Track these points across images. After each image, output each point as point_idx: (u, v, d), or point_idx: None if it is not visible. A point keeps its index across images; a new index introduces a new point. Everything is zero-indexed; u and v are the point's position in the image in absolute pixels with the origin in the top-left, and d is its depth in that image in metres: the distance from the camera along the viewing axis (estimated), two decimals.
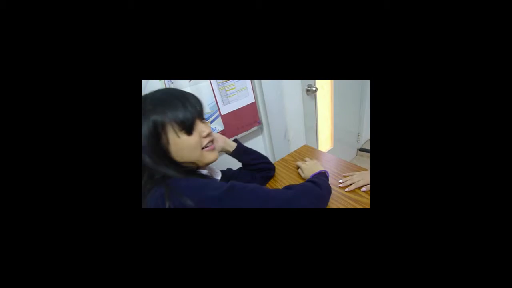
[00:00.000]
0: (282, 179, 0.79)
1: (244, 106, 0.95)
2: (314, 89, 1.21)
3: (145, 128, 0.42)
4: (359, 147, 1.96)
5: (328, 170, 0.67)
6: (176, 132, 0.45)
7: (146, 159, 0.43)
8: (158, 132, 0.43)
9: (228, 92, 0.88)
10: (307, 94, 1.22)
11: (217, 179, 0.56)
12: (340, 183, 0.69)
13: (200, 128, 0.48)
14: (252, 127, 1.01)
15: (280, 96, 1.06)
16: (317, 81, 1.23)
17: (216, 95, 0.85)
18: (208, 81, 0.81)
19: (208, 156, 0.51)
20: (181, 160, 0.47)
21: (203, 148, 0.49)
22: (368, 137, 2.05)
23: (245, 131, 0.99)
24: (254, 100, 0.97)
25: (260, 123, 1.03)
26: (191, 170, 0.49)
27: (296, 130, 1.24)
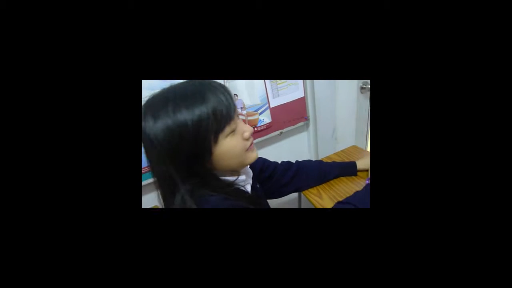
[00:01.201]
0: None
1: (293, 101, 0.95)
2: (369, 87, 1.13)
3: (174, 131, 0.34)
4: None
5: None
6: (224, 137, 0.37)
7: (171, 171, 0.35)
8: (202, 137, 0.35)
9: (279, 86, 0.90)
10: (361, 92, 1.14)
11: (250, 182, 0.49)
12: None
13: (241, 127, 0.40)
14: (299, 122, 1.01)
15: (333, 93, 1.02)
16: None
17: (267, 88, 0.88)
18: None
19: (251, 155, 0.42)
20: (221, 169, 0.40)
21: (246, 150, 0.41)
22: None
23: (291, 125, 1.00)
24: (303, 95, 0.97)
25: (307, 118, 1.02)
26: (230, 183, 0.42)
27: (346, 129, 1.18)
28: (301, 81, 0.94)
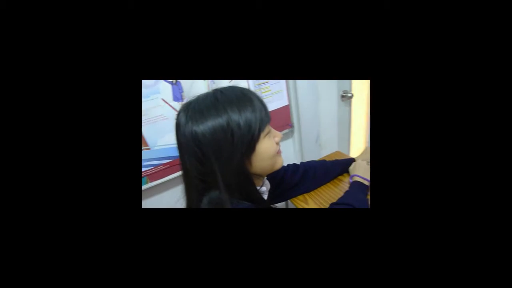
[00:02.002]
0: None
1: (278, 109, 0.97)
2: (349, 95, 1.18)
3: (225, 129, 0.36)
4: None
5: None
6: (262, 137, 0.40)
7: (213, 167, 0.37)
8: (251, 135, 0.38)
9: (264, 94, 0.92)
10: (342, 100, 1.19)
11: (267, 193, 0.52)
12: None
13: (274, 131, 0.45)
14: (284, 129, 1.03)
15: (315, 101, 1.06)
16: (353, 87, 1.20)
17: None
18: (246, 82, 0.85)
19: (279, 161, 0.46)
20: (255, 171, 0.43)
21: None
22: None
23: None
24: (287, 103, 0.99)
25: (291, 126, 1.04)
26: (256, 191, 0.45)
27: (329, 136, 1.23)
28: (285, 89, 0.96)
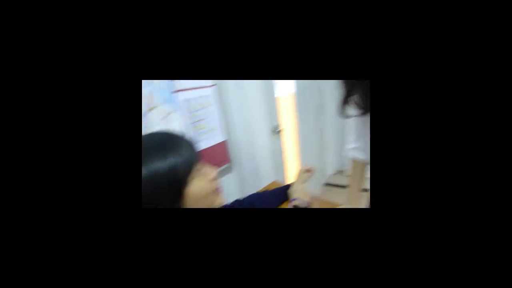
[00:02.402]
0: None
1: (214, 145, 0.99)
2: (279, 130, 1.32)
3: (150, 179, 0.36)
4: (324, 182, 2.08)
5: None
6: (191, 179, 0.40)
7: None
8: (177, 181, 0.38)
9: (199, 132, 0.92)
10: (273, 135, 1.32)
11: None
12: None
13: (206, 169, 0.44)
14: (222, 165, 1.03)
15: (250, 136, 1.13)
16: (282, 122, 1.36)
17: (187, 134, 0.88)
18: (178, 121, 0.84)
19: (217, 200, 0.46)
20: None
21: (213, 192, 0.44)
22: (331, 172, 2.20)
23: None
24: (223, 139, 1.02)
25: (229, 161, 1.06)
26: None
27: (266, 167, 1.30)
28: (219, 126, 1.00)
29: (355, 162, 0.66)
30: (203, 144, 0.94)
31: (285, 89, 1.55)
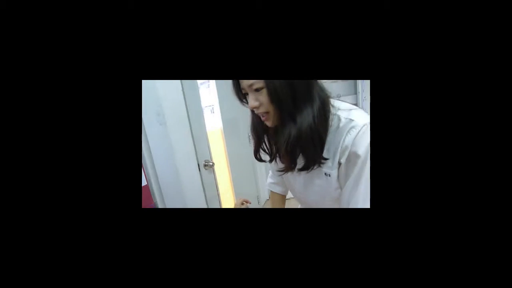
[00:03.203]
0: None
1: None
2: (211, 163, 1.30)
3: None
4: (260, 208, 2.13)
5: None
6: None
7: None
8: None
9: None
10: (205, 169, 1.28)
11: None
12: None
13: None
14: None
15: (175, 174, 1.05)
16: (213, 156, 1.34)
17: None
18: None
19: None
20: None
21: None
22: (266, 197, 2.29)
23: None
24: (146, 183, 0.91)
25: (154, 206, 0.94)
26: None
27: (197, 202, 1.22)
28: (142, 170, 0.89)
29: (273, 193, 0.72)
30: None
31: (212, 124, 1.57)
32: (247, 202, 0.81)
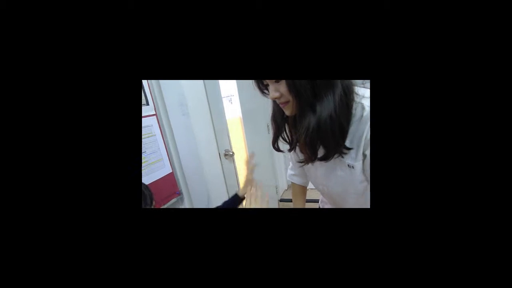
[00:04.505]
0: None
1: (162, 178, 0.91)
2: (231, 153, 1.32)
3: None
4: (279, 198, 2.14)
5: None
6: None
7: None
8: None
9: (143, 165, 0.83)
10: (226, 158, 1.31)
11: None
12: None
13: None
14: (172, 199, 0.95)
15: (199, 163, 1.08)
16: (233, 145, 1.36)
17: None
18: None
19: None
20: None
21: None
22: (284, 187, 2.29)
23: (166, 203, 0.92)
24: (171, 171, 0.95)
25: (180, 193, 0.99)
26: None
27: (219, 191, 1.26)
28: (167, 157, 0.93)
29: (294, 185, 0.72)
30: (149, 177, 0.85)
31: (232, 113, 1.58)
32: (251, 157, 0.84)
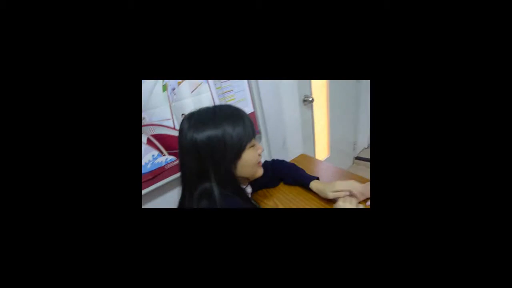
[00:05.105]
0: (279, 188, 0.82)
1: None
2: (310, 99, 1.25)
3: (220, 138, 0.45)
4: (355, 156, 2.00)
5: (325, 179, 0.70)
6: (248, 148, 0.50)
7: (208, 166, 0.46)
8: (239, 146, 0.48)
9: (228, 102, 0.91)
10: (304, 104, 1.26)
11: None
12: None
13: (257, 145, 0.55)
14: None
15: (279, 106, 1.09)
16: (313, 91, 1.28)
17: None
18: (209, 92, 0.84)
19: (259, 171, 0.58)
20: (240, 175, 0.53)
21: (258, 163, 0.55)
22: (364, 145, 2.09)
23: None
24: (253, 110, 1.00)
25: (259, 132, 1.06)
26: (240, 188, 0.55)
27: (294, 139, 1.27)
28: (249, 97, 0.97)
29: None
30: None
31: None
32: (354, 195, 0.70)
